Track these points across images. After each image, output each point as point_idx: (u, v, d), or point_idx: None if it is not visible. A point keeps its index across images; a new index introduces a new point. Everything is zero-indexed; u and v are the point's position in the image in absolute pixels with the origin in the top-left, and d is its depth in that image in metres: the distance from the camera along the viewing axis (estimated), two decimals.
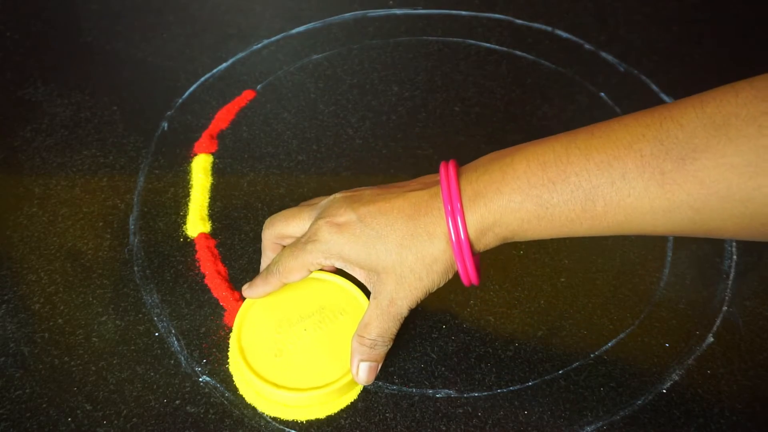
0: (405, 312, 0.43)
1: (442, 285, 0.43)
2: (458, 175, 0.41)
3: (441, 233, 0.41)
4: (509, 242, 0.42)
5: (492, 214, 0.40)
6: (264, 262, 0.49)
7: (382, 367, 0.46)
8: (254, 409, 0.44)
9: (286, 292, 0.47)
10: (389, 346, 0.44)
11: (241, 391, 0.45)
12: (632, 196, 0.37)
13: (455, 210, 0.40)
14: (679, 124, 0.36)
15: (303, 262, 0.44)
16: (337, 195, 0.45)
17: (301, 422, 0.44)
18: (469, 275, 0.42)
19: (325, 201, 0.45)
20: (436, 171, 0.43)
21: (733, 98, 0.35)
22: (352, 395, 0.45)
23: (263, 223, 0.49)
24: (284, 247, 0.47)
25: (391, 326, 0.43)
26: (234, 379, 0.46)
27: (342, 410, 0.45)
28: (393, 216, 0.42)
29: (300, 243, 0.45)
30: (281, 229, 0.47)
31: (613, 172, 0.37)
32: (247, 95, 0.63)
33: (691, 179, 0.35)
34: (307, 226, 0.45)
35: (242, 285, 0.49)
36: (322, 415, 0.45)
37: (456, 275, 0.43)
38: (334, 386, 0.44)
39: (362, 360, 0.44)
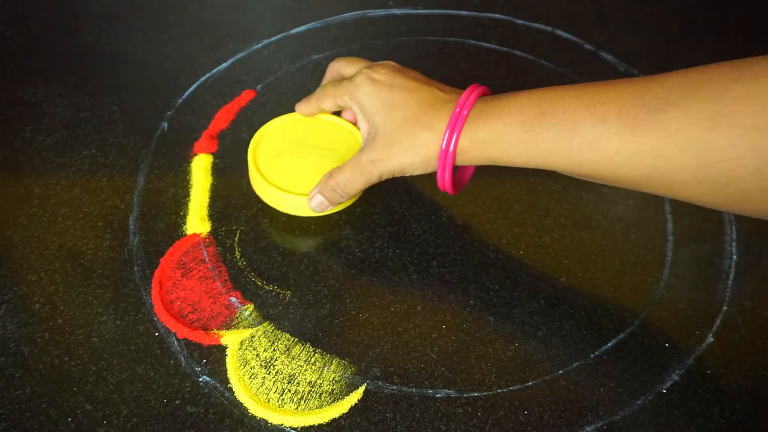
0: (375, 176, 0.48)
1: (417, 173, 0.48)
2: (479, 96, 0.47)
3: (439, 128, 0.46)
4: (494, 166, 0.46)
5: (485, 131, 0.45)
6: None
7: (382, 366, 0.46)
8: (253, 409, 0.44)
9: (321, 125, 0.56)
10: (345, 199, 0.50)
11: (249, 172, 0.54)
12: (605, 137, 0.41)
13: (459, 117, 0.45)
14: (661, 84, 0.40)
15: (335, 93, 0.52)
16: (391, 62, 0.52)
17: (298, 426, 0.44)
18: (445, 178, 0.47)
19: (382, 62, 0.52)
20: None
21: (714, 68, 0.39)
22: (353, 398, 0.45)
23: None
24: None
25: (357, 180, 0.48)
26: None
27: (341, 411, 0.45)
28: (414, 97, 0.48)
29: (342, 79, 0.53)
30: (340, 67, 0.55)
31: (594, 113, 0.41)
32: (247, 95, 0.63)
33: (659, 128, 0.39)
34: None
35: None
36: (279, 208, 0.52)
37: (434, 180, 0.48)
38: (294, 197, 0.51)
39: (320, 192, 0.50)
